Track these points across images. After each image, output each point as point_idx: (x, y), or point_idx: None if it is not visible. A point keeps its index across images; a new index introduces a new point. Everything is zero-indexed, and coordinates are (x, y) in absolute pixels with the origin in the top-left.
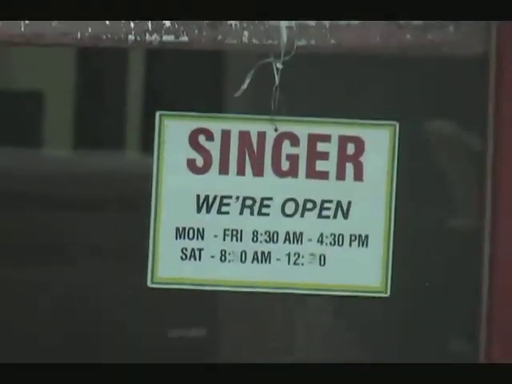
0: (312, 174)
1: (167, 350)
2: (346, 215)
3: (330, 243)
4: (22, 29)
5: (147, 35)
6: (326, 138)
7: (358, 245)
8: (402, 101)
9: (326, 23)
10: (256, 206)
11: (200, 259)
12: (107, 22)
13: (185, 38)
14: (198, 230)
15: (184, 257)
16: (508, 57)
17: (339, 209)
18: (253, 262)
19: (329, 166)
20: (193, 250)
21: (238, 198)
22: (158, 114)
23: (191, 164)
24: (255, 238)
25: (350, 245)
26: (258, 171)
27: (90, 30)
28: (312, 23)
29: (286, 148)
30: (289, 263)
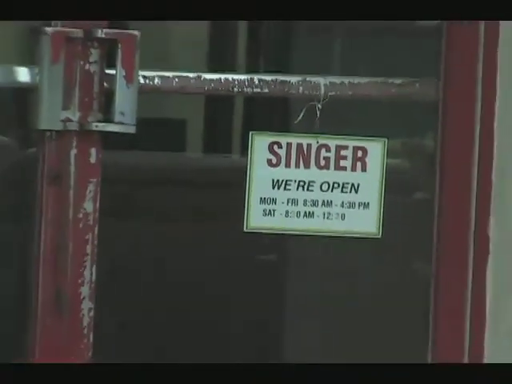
0: (338, 167)
1: (254, 267)
2: (356, 191)
3: (348, 207)
4: (174, 84)
5: (244, 88)
6: (346, 148)
7: (363, 208)
8: (389, 127)
9: (346, 82)
10: (306, 185)
11: (273, 216)
12: (222, 80)
13: (266, 90)
14: (273, 199)
15: (264, 214)
16: (449, 102)
17: (353, 188)
18: (303, 217)
19: (347, 163)
20: (270, 210)
21: (295, 181)
22: (250, 133)
23: (269, 161)
24: (305, 204)
25: (359, 208)
26: (307, 166)
27: (212, 85)
28: (338, 82)
29: (323, 153)
30: (323, 218)
